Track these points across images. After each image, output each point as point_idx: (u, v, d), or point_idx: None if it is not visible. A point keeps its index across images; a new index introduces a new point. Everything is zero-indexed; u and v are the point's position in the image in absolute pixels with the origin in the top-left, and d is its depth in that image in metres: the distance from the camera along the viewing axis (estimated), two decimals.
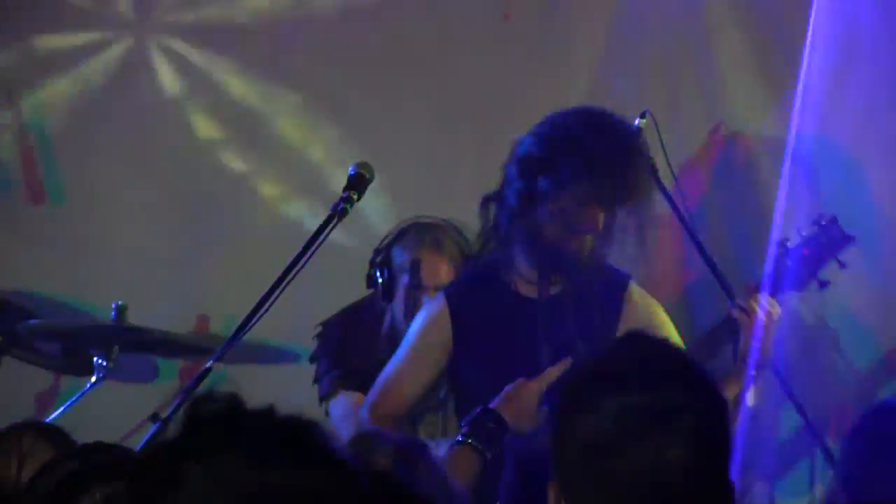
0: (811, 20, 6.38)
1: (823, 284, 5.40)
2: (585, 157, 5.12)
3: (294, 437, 2.05)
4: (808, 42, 6.41)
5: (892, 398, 4.22)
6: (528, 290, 5.30)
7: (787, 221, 6.35)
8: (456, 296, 5.36)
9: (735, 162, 6.63)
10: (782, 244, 5.38)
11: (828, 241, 5.37)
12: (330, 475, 2.03)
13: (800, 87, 6.40)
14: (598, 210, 5.15)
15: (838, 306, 6.63)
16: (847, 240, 5.39)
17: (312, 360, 6.01)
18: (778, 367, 5.62)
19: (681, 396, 2.75)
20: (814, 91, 6.37)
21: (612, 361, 2.86)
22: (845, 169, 6.52)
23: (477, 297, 5.34)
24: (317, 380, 5.93)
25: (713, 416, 2.78)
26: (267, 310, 5.21)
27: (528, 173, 5.19)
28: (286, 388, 6.37)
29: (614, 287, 5.37)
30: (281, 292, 5.16)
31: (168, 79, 7.01)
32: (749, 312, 5.19)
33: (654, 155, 5.71)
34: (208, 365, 5.33)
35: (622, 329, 5.26)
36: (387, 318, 5.72)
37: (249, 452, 2.01)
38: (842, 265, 5.39)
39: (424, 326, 5.38)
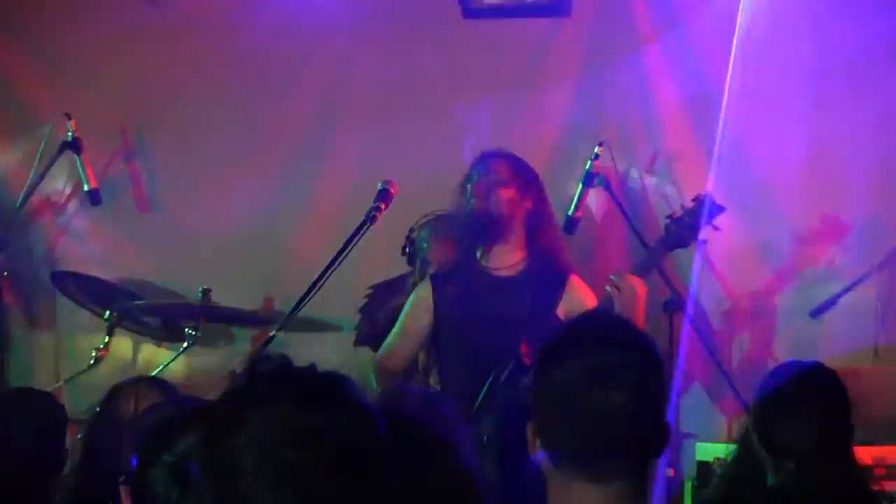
0: (728, 81, 6.37)
1: (702, 242, 5.47)
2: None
3: (330, 388, 2.01)
4: (727, 90, 6.39)
5: (795, 360, 4.14)
6: (489, 270, 5.47)
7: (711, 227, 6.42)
8: (438, 279, 5.60)
9: (670, 177, 6.64)
10: (670, 216, 5.39)
11: (697, 210, 5.35)
12: (356, 418, 1.99)
13: (720, 122, 6.40)
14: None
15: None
16: (719, 209, 5.38)
17: (360, 311, 6.09)
18: (700, 325, 5.65)
19: (626, 356, 2.74)
20: (730, 128, 6.38)
21: (577, 329, 2.87)
22: (756, 184, 6.50)
23: (454, 277, 5.54)
24: (355, 327, 6.04)
25: (652, 371, 2.77)
26: (315, 293, 5.33)
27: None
28: (330, 352, 6.36)
29: (558, 276, 5.50)
30: (326, 280, 5.28)
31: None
32: (618, 287, 5.20)
33: (608, 174, 5.76)
34: (272, 333, 5.45)
35: (561, 309, 5.41)
36: (410, 281, 5.79)
37: (295, 400, 1.96)
38: (716, 228, 5.39)
39: (413, 303, 5.63)
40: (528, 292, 5.45)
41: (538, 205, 5.54)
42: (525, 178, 5.54)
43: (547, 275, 5.48)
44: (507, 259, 5.49)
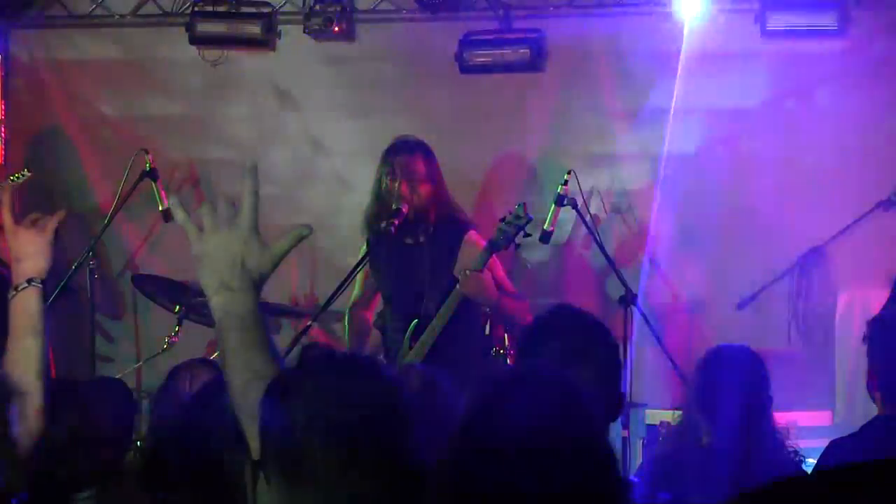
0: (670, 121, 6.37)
1: (517, 246, 5.39)
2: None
3: (364, 366, 2.09)
4: (669, 124, 6.39)
5: (726, 344, 4.09)
6: (405, 240, 5.40)
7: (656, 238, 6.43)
8: (372, 243, 5.51)
9: (622, 203, 6.65)
10: (503, 218, 5.35)
11: (516, 220, 5.31)
12: (384, 387, 2.05)
13: (664, 154, 6.39)
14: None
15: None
16: (528, 219, 5.34)
17: None
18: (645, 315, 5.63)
19: (590, 342, 2.78)
20: (671, 158, 6.39)
21: (548, 319, 2.88)
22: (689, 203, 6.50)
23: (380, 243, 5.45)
24: None
25: (610, 353, 2.81)
26: (342, 291, 5.30)
27: None
28: None
29: (457, 234, 5.42)
30: (346, 286, 5.25)
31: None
32: (465, 278, 5.23)
33: (576, 196, 5.74)
34: (308, 323, 5.41)
35: (458, 265, 5.33)
36: None
37: (337, 375, 2.04)
38: (526, 234, 5.36)
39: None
40: (430, 254, 5.37)
41: (440, 181, 5.46)
42: (433, 165, 5.44)
43: (445, 236, 5.40)
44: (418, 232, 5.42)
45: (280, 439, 1.98)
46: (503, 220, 5.33)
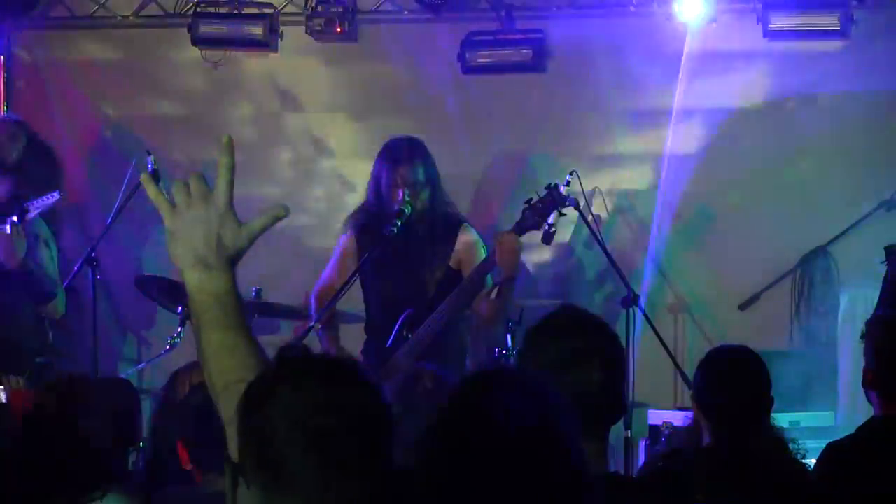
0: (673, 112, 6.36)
1: (550, 227, 5.25)
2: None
3: (344, 368, 2.02)
4: (671, 125, 6.40)
5: (727, 344, 4.07)
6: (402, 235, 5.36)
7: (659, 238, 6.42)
8: (359, 229, 5.53)
9: (624, 203, 6.65)
10: (529, 200, 5.24)
11: (551, 199, 5.24)
12: (366, 392, 1.98)
13: (665, 155, 6.40)
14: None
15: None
16: (564, 199, 5.25)
17: None
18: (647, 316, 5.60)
19: (596, 343, 2.72)
20: (672, 157, 6.39)
21: (554, 319, 2.81)
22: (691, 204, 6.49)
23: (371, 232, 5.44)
24: None
25: (616, 355, 2.76)
26: (345, 292, 5.29)
27: None
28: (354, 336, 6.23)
29: (451, 229, 5.39)
30: (351, 285, 5.22)
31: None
32: (499, 243, 5.13)
33: (578, 196, 5.73)
34: (311, 324, 5.38)
35: (453, 258, 5.30)
36: None
37: (317, 378, 1.98)
38: (562, 214, 5.29)
39: (344, 247, 5.60)
40: (421, 246, 5.37)
41: (438, 179, 5.45)
42: (431, 165, 5.42)
43: (438, 230, 5.38)
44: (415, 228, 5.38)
45: (260, 448, 1.93)
46: (529, 201, 5.29)
